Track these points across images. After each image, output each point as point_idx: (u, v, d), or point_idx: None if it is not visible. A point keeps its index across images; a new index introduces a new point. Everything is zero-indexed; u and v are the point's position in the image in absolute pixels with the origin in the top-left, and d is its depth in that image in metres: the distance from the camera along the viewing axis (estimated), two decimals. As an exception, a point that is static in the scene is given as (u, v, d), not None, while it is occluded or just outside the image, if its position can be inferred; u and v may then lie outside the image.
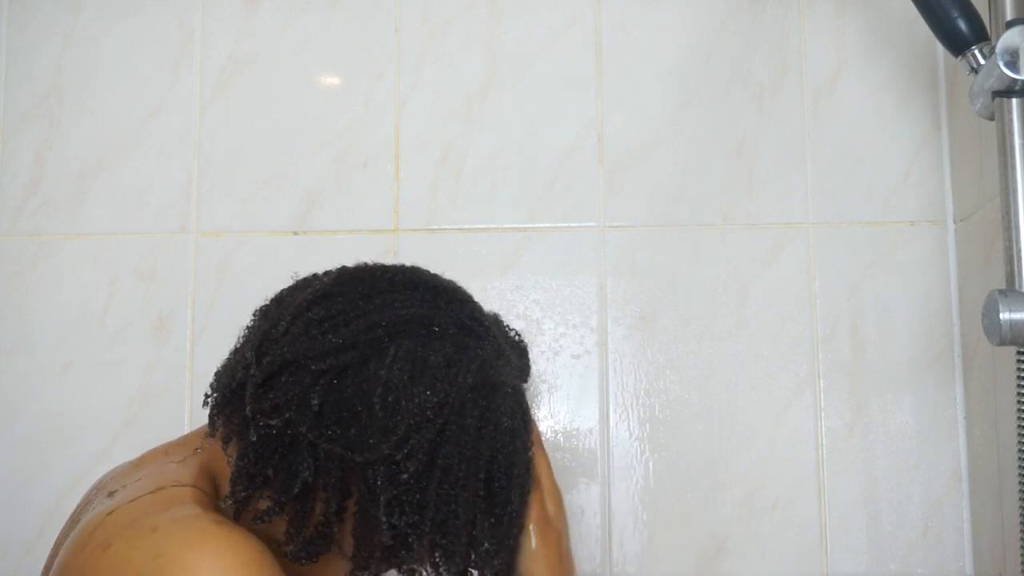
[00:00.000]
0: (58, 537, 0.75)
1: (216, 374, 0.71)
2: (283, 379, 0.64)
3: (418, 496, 0.64)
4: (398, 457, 0.63)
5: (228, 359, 0.71)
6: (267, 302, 0.72)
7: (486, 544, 0.66)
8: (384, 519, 0.63)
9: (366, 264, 0.72)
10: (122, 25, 1.16)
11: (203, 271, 1.11)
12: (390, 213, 1.12)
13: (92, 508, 0.67)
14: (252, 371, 0.65)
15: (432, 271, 0.73)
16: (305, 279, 0.72)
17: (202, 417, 1.07)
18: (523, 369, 0.75)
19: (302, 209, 1.12)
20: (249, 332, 0.70)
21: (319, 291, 0.67)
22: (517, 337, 0.77)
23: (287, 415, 0.63)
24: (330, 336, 0.64)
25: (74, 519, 0.71)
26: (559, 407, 1.09)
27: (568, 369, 1.09)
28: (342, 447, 0.63)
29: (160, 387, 1.10)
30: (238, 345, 0.71)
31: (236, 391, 0.66)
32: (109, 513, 0.61)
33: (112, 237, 1.13)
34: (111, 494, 0.66)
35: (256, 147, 1.13)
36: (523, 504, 0.68)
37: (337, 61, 1.14)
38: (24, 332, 1.11)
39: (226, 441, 0.67)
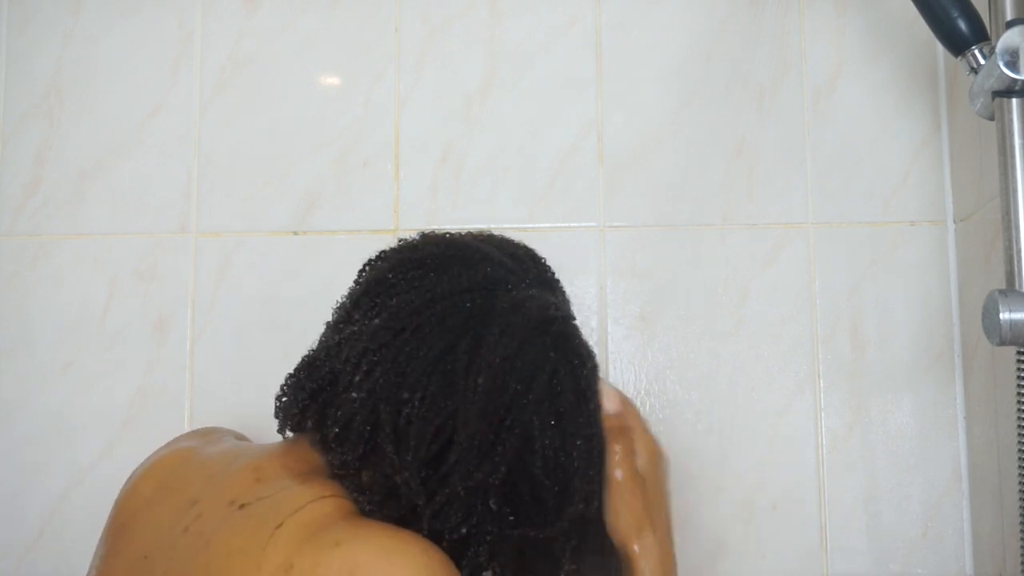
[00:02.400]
0: (110, 542, 0.70)
1: (297, 377, 0.70)
2: (462, 495, 0.63)
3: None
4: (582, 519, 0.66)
5: (345, 393, 0.66)
6: (384, 329, 0.66)
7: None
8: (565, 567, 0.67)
9: (477, 310, 0.67)
10: (122, 25, 1.16)
11: (203, 271, 1.11)
12: (390, 213, 1.12)
13: (217, 516, 0.64)
14: (421, 500, 0.63)
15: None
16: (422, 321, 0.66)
17: (202, 417, 1.08)
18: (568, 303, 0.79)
19: (302, 209, 1.12)
20: (378, 369, 0.65)
21: (478, 411, 0.63)
22: (549, 271, 0.78)
23: (472, 522, 0.64)
24: (499, 449, 0.63)
25: (175, 524, 0.66)
26: (559, 407, 1.08)
27: (568, 369, 1.09)
28: (524, 527, 0.65)
29: (160, 387, 1.10)
30: (332, 346, 0.70)
31: (393, 494, 0.64)
32: (278, 527, 0.60)
33: (112, 237, 1.12)
34: (242, 506, 0.64)
35: (256, 147, 1.13)
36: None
37: (337, 61, 1.14)
38: (24, 332, 1.11)
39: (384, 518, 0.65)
